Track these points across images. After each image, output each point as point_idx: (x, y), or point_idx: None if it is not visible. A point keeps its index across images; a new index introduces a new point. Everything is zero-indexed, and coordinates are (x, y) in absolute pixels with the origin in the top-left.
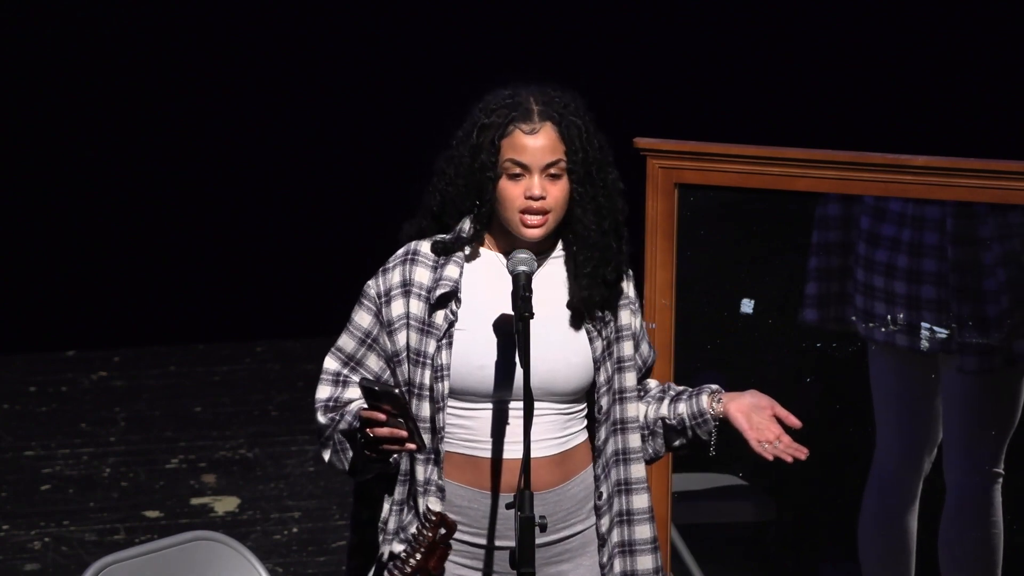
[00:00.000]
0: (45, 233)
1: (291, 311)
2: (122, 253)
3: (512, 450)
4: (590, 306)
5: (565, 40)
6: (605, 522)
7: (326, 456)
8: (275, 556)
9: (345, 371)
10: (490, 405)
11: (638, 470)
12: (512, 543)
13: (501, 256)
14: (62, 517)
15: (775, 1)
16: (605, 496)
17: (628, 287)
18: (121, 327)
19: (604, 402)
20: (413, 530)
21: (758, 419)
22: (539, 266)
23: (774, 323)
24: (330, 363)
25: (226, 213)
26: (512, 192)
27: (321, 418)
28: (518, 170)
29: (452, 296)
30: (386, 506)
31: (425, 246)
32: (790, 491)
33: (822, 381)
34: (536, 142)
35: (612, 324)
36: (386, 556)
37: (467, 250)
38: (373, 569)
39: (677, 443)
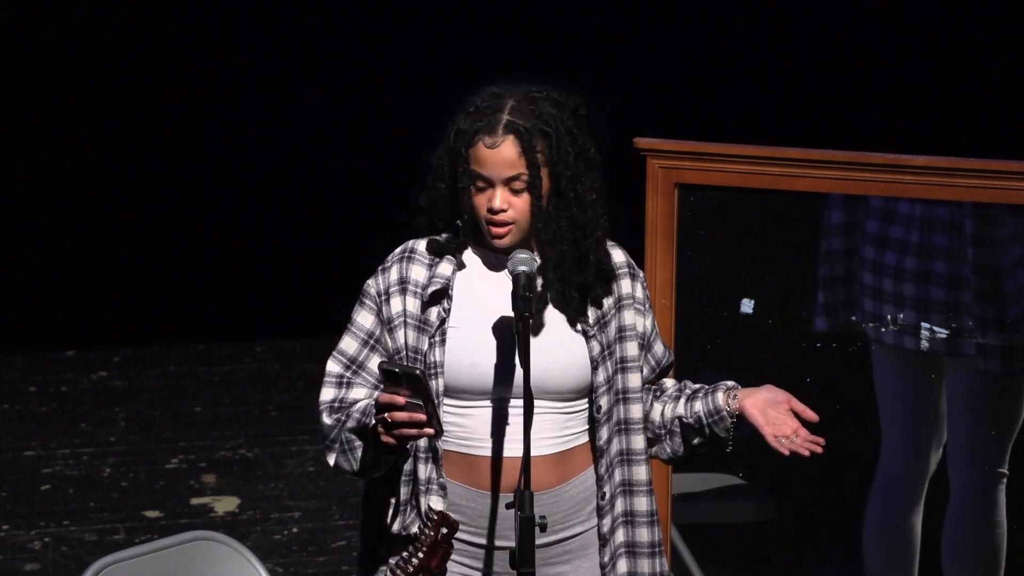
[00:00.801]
0: (45, 233)
1: (291, 311)
2: (122, 253)
3: (509, 449)
4: (566, 311)
5: (565, 40)
6: (607, 522)
7: (332, 459)
8: (275, 556)
9: (348, 374)
10: (486, 403)
11: (641, 472)
12: (512, 543)
13: (496, 256)
14: (62, 517)
15: (775, 1)
16: (608, 496)
17: (634, 287)
18: (121, 327)
19: (603, 402)
20: (415, 529)
21: (774, 414)
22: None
23: (774, 323)
24: (333, 366)
25: (226, 213)
26: (477, 202)
27: (327, 419)
28: (481, 183)
29: (443, 293)
30: (390, 508)
31: (421, 244)
32: (791, 491)
33: (822, 381)
34: (496, 156)
35: (613, 324)
36: (389, 557)
37: (461, 249)
38: (378, 571)
39: (696, 441)
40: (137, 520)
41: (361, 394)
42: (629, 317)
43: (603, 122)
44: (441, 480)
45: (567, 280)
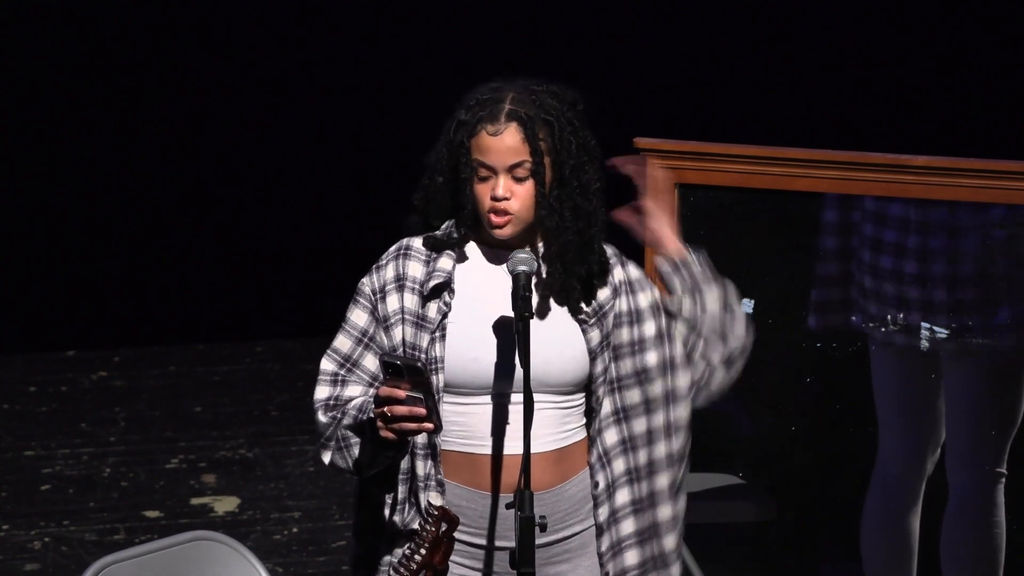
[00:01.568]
0: (45, 233)
1: (291, 311)
2: (122, 253)
3: (510, 446)
4: (568, 302)
5: (565, 40)
6: (604, 511)
7: (327, 457)
8: (275, 556)
9: (342, 372)
10: (486, 400)
11: (659, 450)
12: (512, 543)
13: (493, 251)
14: (62, 517)
15: (775, 1)
16: (603, 486)
17: (627, 271)
18: (121, 327)
19: (601, 392)
20: (415, 526)
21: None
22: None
23: (774, 323)
24: (327, 364)
25: (226, 213)
26: (480, 191)
27: (322, 417)
28: (484, 171)
29: (446, 287)
30: (388, 506)
31: (417, 241)
32: (791, 491)
33: (822, 381)
34: (500, 143)
35: (611, 314)
36: (390, 555)
37: (460, 244)
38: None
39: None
40: (137, 520)
41: (356, 392)
42: (623, 303)
43: (603, 122)
44: (439, 476)
45: (570, 270)
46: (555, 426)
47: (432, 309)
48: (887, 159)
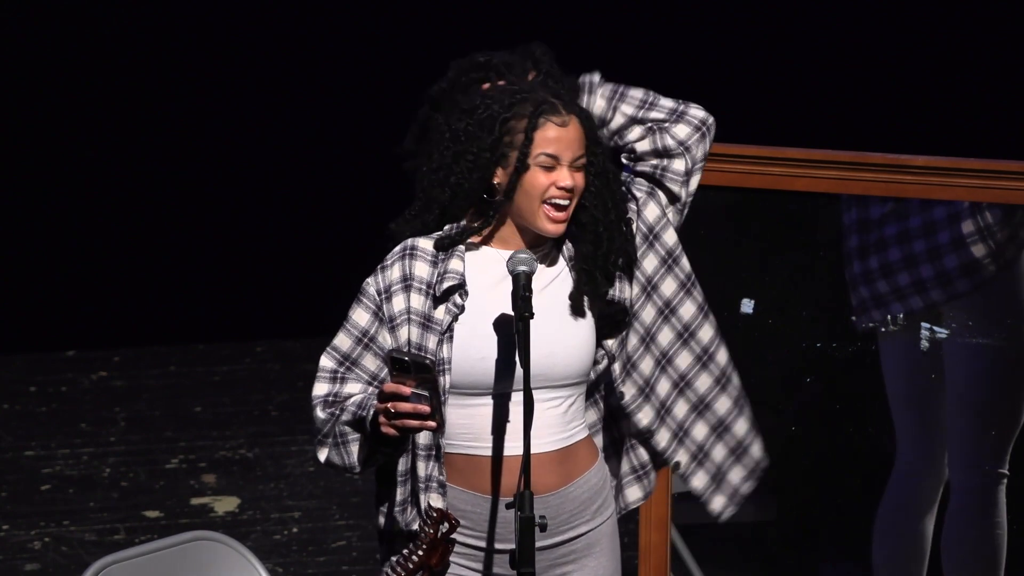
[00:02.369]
0: (45, 233)
1: (291, 311)
2: (122, 253)
3: (512, 448)
4: (596, 297)
5: (565, 40)
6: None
7: (323, 455)
8: (275, 556)
9: (341, 370)
10: (490, 400)
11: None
12: (514, 545)
13: (501, 252)
14: (62, 517)
15: (775, 1)
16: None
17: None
18: (121, 327)
19: (625, 389)
20: (415, 527)
21: None
22: (537, 255)
23: (774, 323)
24: (326, 361)
25: (226, 213)
26: (541, 181)
27: (320, 414)
28: (551, 162)
29: (459, 288)
30: (386, 507)
31: (423, 242)
32: (791, 491)
33: (822, 381)
34: (567, 135)
35: (642, 229)
36: (390, 555)
37: (468, 245)
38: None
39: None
40: (137, 520)
41: (355, 389)
42: (645, 216)
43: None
44: (441, 478)
45: (605, 260)
46: (558, 425)
47: (441, 311)
48: (887, 159)
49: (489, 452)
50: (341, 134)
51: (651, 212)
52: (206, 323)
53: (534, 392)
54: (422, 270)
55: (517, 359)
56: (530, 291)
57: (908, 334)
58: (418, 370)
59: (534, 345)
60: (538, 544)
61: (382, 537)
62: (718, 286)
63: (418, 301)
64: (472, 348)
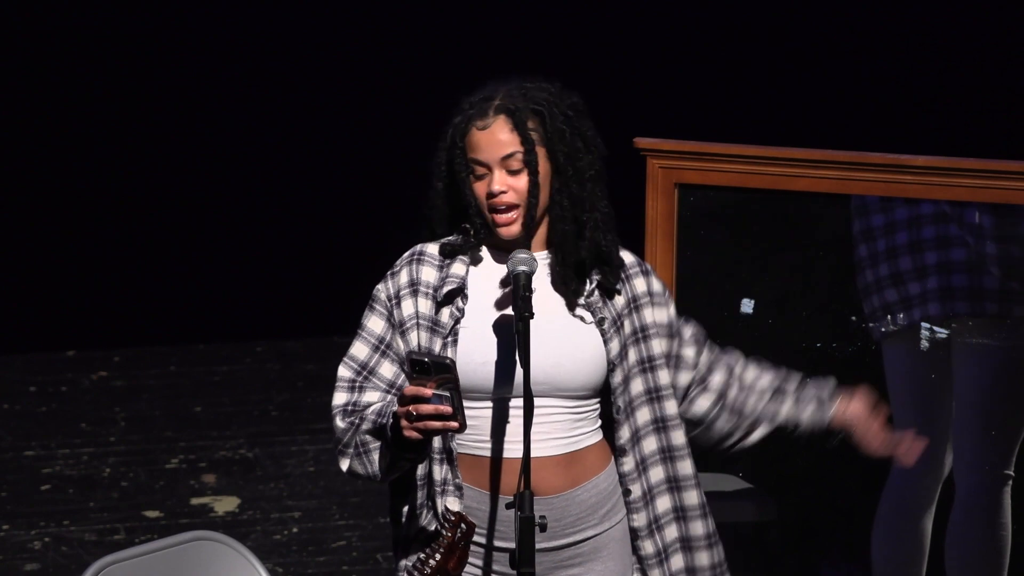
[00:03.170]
0: (45, 233)
1: (291, 311)
2: (122, 253)
3: (516, 449)
4: (574, 295)
5: (565, 40)
6: (641, 518)
7: (345, 465)
8: (275, 556)
9: (359, 379)
10: (497, 402)
11: (686, 467)
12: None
13: (502, 253)
14: (62, 517)
15: (775, 1)
16: (639, 495)
17: (649, 283)
18: (121, 327)
19: (622, 402)
20: (432, 530)
21: (876, 426)
22: (541, 262)
23: (774, 323)
24: (344, 371)
25: (226, 213)
26: (478, 190)
27: (340, 423)
28: (480, 169)
29: (459, 292)
30: (405, 511)
31: (431, 247)
32: (791, 491)
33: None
34: (489, 136)
35: (628, 324)
36: (406, 558)
37: (472, 251)
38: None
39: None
40: (137, 520)
41: (374, 398)
42: (648, 315)
43: (603, 122)
44: (457, 481)
45: (567, 261)
46: (565, 431)
47: (445, 314)
48: (887, 159)
49: (498, 453)
50: (342, 135)
51: (656, 315)
52: (206, 323)
53: (541, 399)
54: (428, 274)
55: (517, 359)
56: (530, 291)
57: (910, 334)
58: (438, 371)
59: (541, 352)
60: (543, 546)
61: (397, 543)
62: (718, 286)
63: (425, 305)
64: (476, 352)
